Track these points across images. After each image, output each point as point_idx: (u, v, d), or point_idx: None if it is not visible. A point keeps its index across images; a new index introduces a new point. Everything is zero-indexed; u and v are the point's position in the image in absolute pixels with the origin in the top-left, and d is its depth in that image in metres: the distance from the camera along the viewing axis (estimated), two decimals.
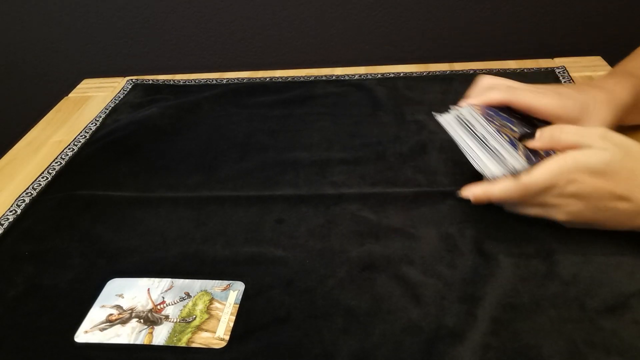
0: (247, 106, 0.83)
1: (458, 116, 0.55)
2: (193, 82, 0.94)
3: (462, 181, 0.60)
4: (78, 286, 0.53)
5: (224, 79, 0.95)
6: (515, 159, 0.51)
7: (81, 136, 0.79)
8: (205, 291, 0.51)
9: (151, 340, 0.47)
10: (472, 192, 0.54)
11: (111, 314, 0.50)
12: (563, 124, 0.51)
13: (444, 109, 0.78)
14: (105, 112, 0.86)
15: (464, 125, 0.54)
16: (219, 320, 0.48)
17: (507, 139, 0.52)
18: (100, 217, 0.62)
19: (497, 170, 0.52)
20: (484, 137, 0.53)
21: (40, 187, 0.68)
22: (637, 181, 0.48)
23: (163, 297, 0.51)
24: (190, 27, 1.01)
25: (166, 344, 0.46)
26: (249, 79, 0.94)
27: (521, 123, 0.55)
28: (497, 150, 0.52)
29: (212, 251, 0.56)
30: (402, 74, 0.90)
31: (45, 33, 1.03)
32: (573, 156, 0.49)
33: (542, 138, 0.51)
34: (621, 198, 0.48)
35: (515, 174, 0.51)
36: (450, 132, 0.55)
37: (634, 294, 0.47)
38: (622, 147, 0.48)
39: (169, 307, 0.50)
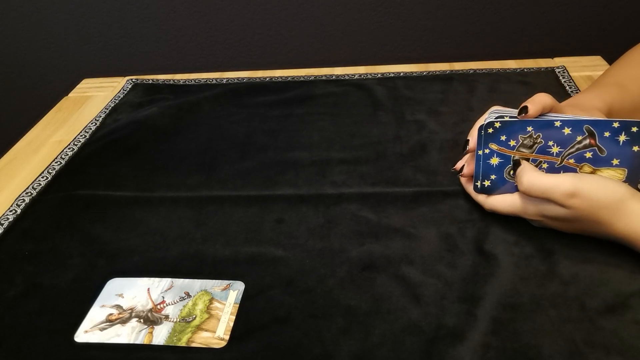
0: (247, 106, 0.83)
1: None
2: (193, 82, 0.94)
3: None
4: (78, 286, 0.53)
5: (224, 78, 0.95)
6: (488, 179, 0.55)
7: (81, 136, 0.79)
8: (205, 291, 0.51)
9: (151, 340, 0.47)
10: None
11: (111, 314, 0.50)
12: (536, 176, 0.50)
13: (444, 109, 0.78)
14: (105, 112, 0.86)
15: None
16: (219, 320, 0.48)
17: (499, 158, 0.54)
18: (100, 217, 0.62)
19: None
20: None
21: (40, 187, 0.68)
22: (603, 227, 0.49)
23: (163, 297, 0.51)
24: (190, 27, 1.01)
25: (166, 344, 0.46)
26: (249, 78, 0.94)
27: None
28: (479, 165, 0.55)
29: (212, 251, 0.56)
30: (402, 74, 0.90)
31: (45, 33, 1.03)
32: (536, 206, 0.51)
33: (518, 183, 0.52)
34: (591, 229, 0.50)
35: (477, 189, 0.56)
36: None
37: (634, 294, 0.47)
38: (594, 201, 0.48)
39: (169, 306, 0.50)
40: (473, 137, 0.54)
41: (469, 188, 0.57)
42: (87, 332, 0.48)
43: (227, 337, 0.46)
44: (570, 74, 0.85)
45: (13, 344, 0.47)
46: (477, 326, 0.45)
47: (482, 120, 0.55)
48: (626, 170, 0.51)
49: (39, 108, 0.93)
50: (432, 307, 0.47)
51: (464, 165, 0.57)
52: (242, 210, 0.61)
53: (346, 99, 0.83)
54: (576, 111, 0.56)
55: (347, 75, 0.92)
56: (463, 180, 0.59)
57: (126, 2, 0.98)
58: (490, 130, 0.53)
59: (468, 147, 0.55)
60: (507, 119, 0.53)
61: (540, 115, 0.52)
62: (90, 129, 0.81)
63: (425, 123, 0.75)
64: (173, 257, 0.55)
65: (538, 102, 0.52)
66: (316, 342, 0.45)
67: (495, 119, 0.53)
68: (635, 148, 0.50)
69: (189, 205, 0.62)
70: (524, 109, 0.52)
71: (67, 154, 0.75)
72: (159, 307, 0.50)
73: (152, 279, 0.53)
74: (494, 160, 0.54)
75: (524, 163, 0.52)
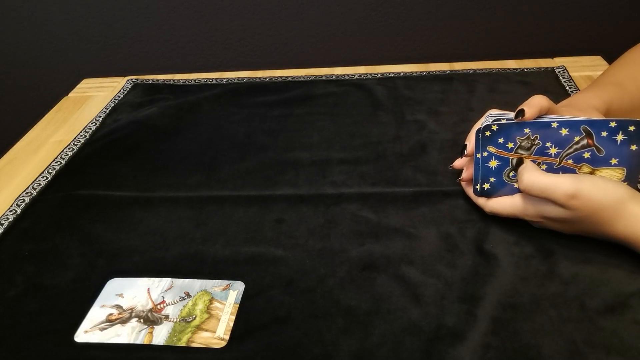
0: (247, 106, 0.83)
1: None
2: (193, 82, 0.94)
3: None
4: (78, 286, 0.53)
5: (224, 78, 0.95)
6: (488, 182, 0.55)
7: (81, 136, 0.79)
8: (205, 291, 0.51)
9: (151, 340, 0.47)
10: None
11: (111, 314, 0.50)
12: (537, 175, 0.50)
13: (444, 109, 0.78)
14: (105, 112, 0.86)
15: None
16: (219, 320, 0.48)
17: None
18: (100, 217, 0.62)
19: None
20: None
21: (40, 187, 0.68)
22: (602, 228, 0.49)
23: (163, 297, 0.51)
24: (190, 27, 1.01)
25: (166, 344, 0.46)
26: (249, 78, 0.94)
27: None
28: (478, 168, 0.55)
29: (212, 251, 0.56)
30: (402, 74, 0.90)
31: (45, 33, 1.03)
32: (536, 207, 0.51)
33: (519, 181, 0.51)
34: (588, 230, 0.50)
35: (477, 192, 0.56)
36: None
37: (634, 294, 0.47)
38: (594, 202, 0.48)
39: (169, 306, 0.50)
40: (471, 141, 0.54)
41: (469, 191, 0.57)
42: (87, 332, 0.48)
43: (227, 337, 0.46)
44: (570, 74, 0.85)
45: (13, 344, 0.47)
46: (477, 326, 0.45)
47: (479, 124, 0.55)
48: (625, 169, 0.51)
49: (39, 108, 0.93)
50: (432, 307, 0.47)
51: (463, 169, 0.57)
52: (242, 210, 0.61)
53: (346, 99, 0.83)
54: (573, 111, 0.56)
55: (347, 75, 0.92)
56: (463, 183, 0.59)
57: (126, 2, 0.98)
58: (488, 133, 0.53)
59: (466, 152, 0.55)
60: (504, 121, 0.53)
61: (537, 117, 0.52)
62: (90, 129, 0.81)
63: (425, 123, 0.75)
64: (173, 257, 0.55)
65: (534, 104, 0.52)
66: (316, 342, 0.45)
67: (492, 122, 0.53)
68: (633, 147, 0.50)
69: (189, 205, 0.62)
70: (521, 112, 0.52)
71: (67, 154, 0.75)
72: (159, 307, 0.50)
73: (152, 279, 0.53)
74: (493, 163, 0.54)
75: (526, 161, 0.52)
